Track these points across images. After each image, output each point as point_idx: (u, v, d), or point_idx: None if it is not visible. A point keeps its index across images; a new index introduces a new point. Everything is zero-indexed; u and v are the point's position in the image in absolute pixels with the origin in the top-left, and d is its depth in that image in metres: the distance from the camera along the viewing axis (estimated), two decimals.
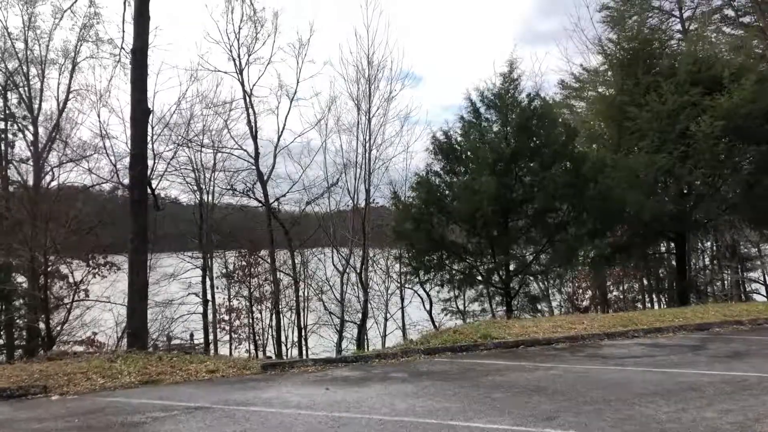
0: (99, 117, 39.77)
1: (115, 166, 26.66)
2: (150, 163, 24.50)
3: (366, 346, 28.61)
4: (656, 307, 27.27)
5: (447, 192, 20.14)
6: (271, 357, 12.25)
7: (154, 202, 23.27)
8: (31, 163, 29.95)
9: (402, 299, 35.89)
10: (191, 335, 38.91)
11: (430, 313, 24.43)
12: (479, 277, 19.96)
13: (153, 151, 24.55)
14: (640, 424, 6.28)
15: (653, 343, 11.93)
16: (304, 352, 31.32)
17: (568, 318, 14.22)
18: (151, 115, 21.36)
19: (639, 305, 28.90)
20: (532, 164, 19.10)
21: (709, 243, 28.48)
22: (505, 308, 20.39)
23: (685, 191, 20.75)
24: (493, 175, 18.06)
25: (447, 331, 13.09)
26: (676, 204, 19.85)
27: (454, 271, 20.30)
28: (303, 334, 32.57)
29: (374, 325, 36.21)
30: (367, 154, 26.46)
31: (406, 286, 26.32)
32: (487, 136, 19.90)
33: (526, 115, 19.30)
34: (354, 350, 20.87)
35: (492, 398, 7.65)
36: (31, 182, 29.20)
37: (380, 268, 35.79)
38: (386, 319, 38.10)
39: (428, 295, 24.49)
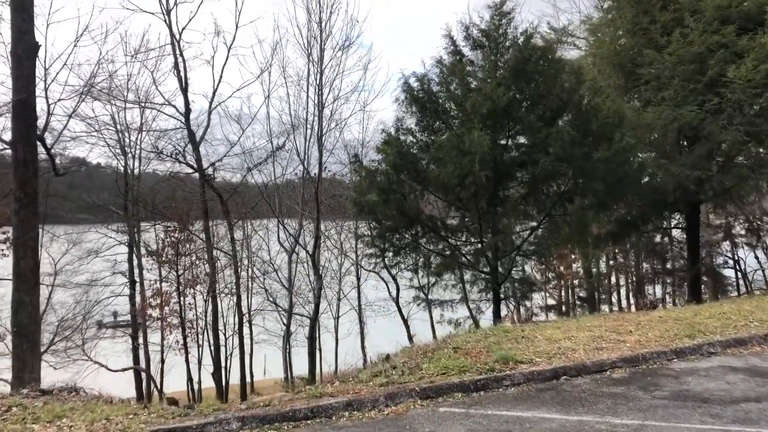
0: None
1: None
2: (56, 119, 19.45)
3: (319, 344, 24.58)
4: (660, 295, 24.10)
5: (422, 155, 15.92)
6: (175, 402, 8.13)
7: (51, 165, 18.29)
8: None
9: (358, 278, 31.90)
10: (114, 314, 34.10)
11: (397, 302, 20.20)
12: (463, 260, 15.89)
13: (48, 100, 19.36)
14: None
15: (748, 367, 8.16)
16: (246, 348, 27.01)
17: (606, 323, 10.34)
18: (45, 52, 16.43)
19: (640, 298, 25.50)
20: (531, 118, 14.99)
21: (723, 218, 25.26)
22: (491, 296, 16.53)
23: (714, 152, 17.08)
24: (486, 130, 13.93)
25: (444, 347, 9.02)
26: (701, 168, 16.16)
27: (429, 253, 16.22)
28: (246, 319, 28.27)
29: (327, 308, 32.16)
30: (318, 112, 21.93)
31: (369, 269, 21.98)
32: (473, 84, 15.71)
33: (523, 56, 15.13)
34: (306, 379, 16.58)
35: None
36: None
37: (333, 244, 31.64)
38: (339, 300, 34.09)
39: (395, 280, 20.21)
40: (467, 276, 17.58)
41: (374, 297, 33.25)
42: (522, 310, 20.08)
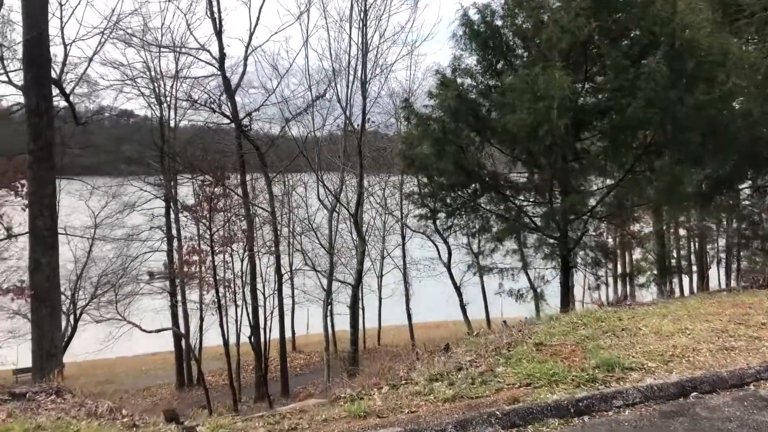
0: None
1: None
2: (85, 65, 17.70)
3: (362, 303, 22.87)
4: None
5: (482, 100, 13.66)
6: (175, 417, 6.65)
7: (71, 113, 16.73)
8: None
9: (402, 237, 30.04)
10: (150, 274, 33.12)
11: (448, 267, 18.11)
12: (532, 224, 13.71)
13: (64, 40, 17.63)
14: None
15: None
16: (287, 308, 25.57)
17: (725, 309, 8.16)
18: None
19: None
20: (616, 55, 12.52)
21: None
22: (558, 265, 14.42)
23: None
24: (567, 69, 11.59)
25: (522, 341, 7.04)
26: None
27: (488, 215, 14.11)
28: (286, 278, 26.75)
29: (370, 267, 30.46)
30: (363, 55, 19.67)
31: (417, 230, 19.87)
32: (544, 15, 13.27)
33: None
34: (348, 354, 14.80)
35: None
36: None
37: (376, 200, 29.70)
38: (383, 258, 32.35)
39: (446, 243, 18.09)
40: (530, 240, 15.45)
41: (420, 256, 31.43)
42: (592, 279, 17.99)
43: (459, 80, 13.86)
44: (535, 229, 13.85)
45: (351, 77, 20.09)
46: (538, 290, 16.14)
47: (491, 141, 13.62)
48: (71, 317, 30.83)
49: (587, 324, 7.71)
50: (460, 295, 17.48)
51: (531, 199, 13.97)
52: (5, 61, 17.10)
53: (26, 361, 16.40)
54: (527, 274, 17.25)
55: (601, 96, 13.13)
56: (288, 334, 30.49)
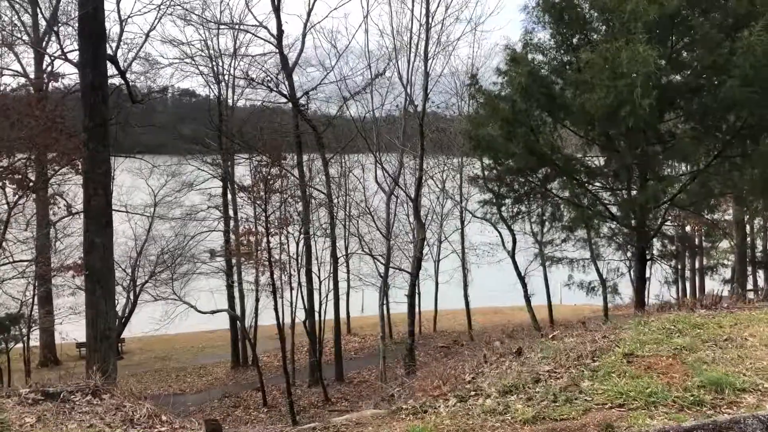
0: None
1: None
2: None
3: (418, 289, 22.07)
4: None
5: (557, 78, 12.61)
6: (218, 428, 6.03)
7: (127, 90, 16.49)
8: None
9: (462, 222, 29.07)
10: (211, 252, 33.10)
11: (513, 255, 17.02)
12: (607, 213, 12.64)
13: (120, 15, 17.35)
14: None
15: None
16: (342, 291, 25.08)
17: None
18: None
19: None
20: (708, 27, 11.27)
21: None
22: (633, 257, 13.33)
23: None
24: (653, 43, 10.47)
25: (609, 350, 6.17)
26: None
27: (561, 202, 13.11)
28: (341, 262, 26.25)
29: (428, 252, 29.62)
30: (426, 30, 18.72)
31: (481, 217, 18.87)
32: None
33: None
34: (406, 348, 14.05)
35: None
36: None
37: (435, 183, 28.79)
38: (441, 242, 31.50)
39: (511, 231, 17.00)
40: (603, 230, 14.36)
41: (479, 241, 30.45)
42: (668, 271, 16.70)
43: (530, 56, 12.84)
44: (611, 217, 12.79)
45: (412, 54, 19.19)
46: (610, 283, 15.04)
47: (564, 122, 12.59)
48: (131, 294, 31.43)
49: (682, 331, 6.77)
50: (524, 286, 16.50)
51: (609, 186, 12.89)
52: (62, 38, 16.95)
53: None
54: (596, 266, 16.14)
55: (688, 73, 11.90)
56: (342, 314, 30.17)
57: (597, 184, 13.02)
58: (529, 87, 11.76)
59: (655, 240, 13.33)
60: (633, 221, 12.58)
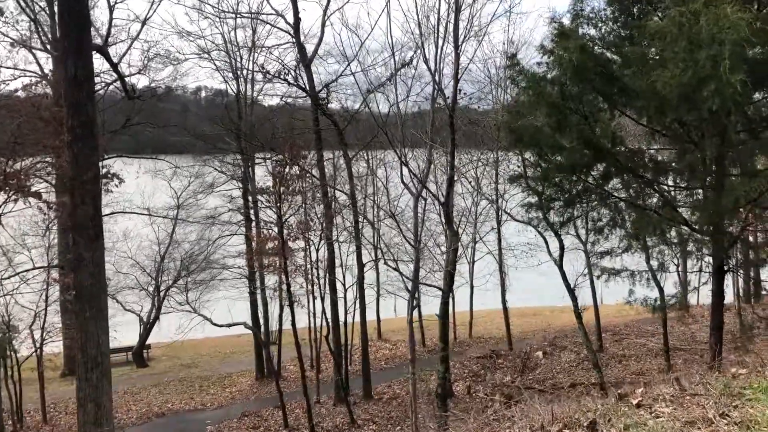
0: None
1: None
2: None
3: (452, 300, 20.07)
4: None
5: (613, 55, 10.45)
6: None
7: (122, 87, 14.83)
8: None
9: (498, 222, 26.92)
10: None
11: (560, 264, 14.76)
12: (681, 218, 10.42)
13: (109, 1, 15.64)
14: None
15: None
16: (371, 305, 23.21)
17: None
18: None
19: None
20: None
21: None
22: (709, 269, 11.12)
23: None
24: (740, 3, 8.28)
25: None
26: None
27: (621, 204, 10.96)
28: (367, 268, 24.39)
29: (461, 253, 27.56)
30: (455, 10, 16.57)
31: (525, 221, 16.55)
32: None
33: None
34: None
35: None
36: None
37: (468, 181, 26.68)
38: (475, 243, 29.41)
39: (558, 236, 14.71)
40: (671, 235, 12.15)
41: (516, 242, 28.35)
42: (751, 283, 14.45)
43: (580, 31, 10.72)
44: (684, 222, 10.57)
45: (441, 40, 17.09)
46: (677, 297, 12.84)
47: (624, 108, 10.43)
48: (155, 299, 30.22)
49: None
50: (574, 299, 14.35)
51: (682, 185, 10.73)
52: (43, 27, 15.38)
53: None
54: (655, 278, 13.93)
55: None
56: (372, 317, 28.40)
57: (669, 183, 10.83)
58: (581, 66, 9.62)
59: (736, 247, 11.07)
60: (711, 227, 10.38)
